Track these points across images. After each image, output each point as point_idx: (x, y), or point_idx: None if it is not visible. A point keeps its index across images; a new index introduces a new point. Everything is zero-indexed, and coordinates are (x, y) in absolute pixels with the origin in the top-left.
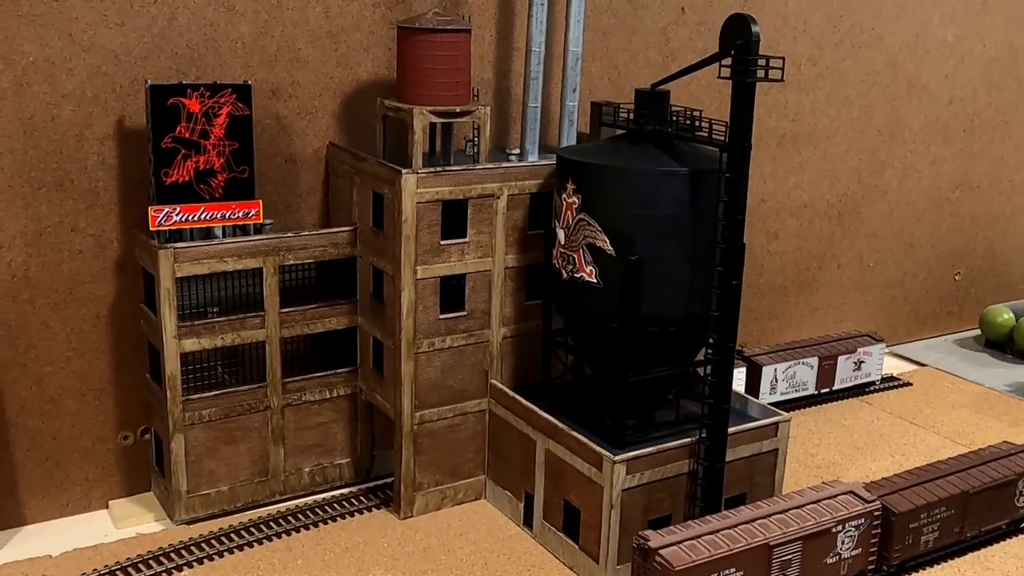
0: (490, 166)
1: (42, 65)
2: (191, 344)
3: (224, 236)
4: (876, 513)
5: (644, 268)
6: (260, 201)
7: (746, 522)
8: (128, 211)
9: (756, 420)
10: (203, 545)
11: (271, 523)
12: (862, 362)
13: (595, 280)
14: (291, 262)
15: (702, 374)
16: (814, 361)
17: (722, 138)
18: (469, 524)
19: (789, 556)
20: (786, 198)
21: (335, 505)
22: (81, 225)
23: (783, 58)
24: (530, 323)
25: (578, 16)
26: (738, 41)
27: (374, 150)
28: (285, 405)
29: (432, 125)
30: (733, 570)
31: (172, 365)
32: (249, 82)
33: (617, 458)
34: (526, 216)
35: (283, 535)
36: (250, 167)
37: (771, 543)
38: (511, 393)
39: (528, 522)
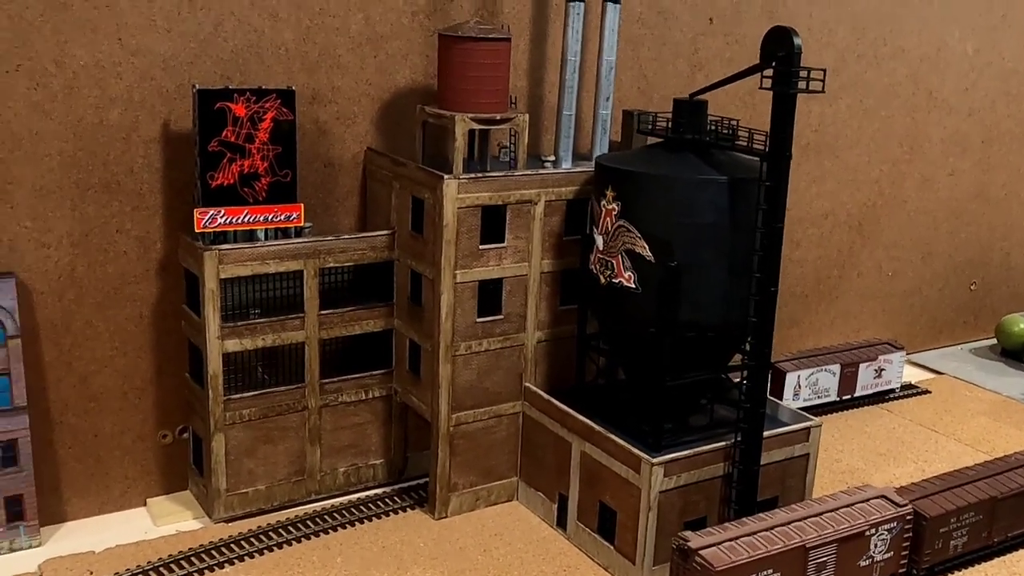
0: (529, 172)
1: (92, 69)
2: (233, 344)
3: (266, 239)
4: (908, 517)
5: (683, 274)
6: (302, 204)
7: (782, 524)
8: (171, 213)
9: (787, 424)
10: (243, 543)
11: (308, 522)
12: (882, 370)
13: (634, 285)
14: (331, 265)
15: (734, 380)
16: (836, 368)
17: (761, 147)
18: (503, 525)
19: (824, 558)
20: (808, 207)
21: (370, 505)
22: (126, 226)
23: (824, 70)
24: (563, 327)
25: (612, 26)
26: (780, 53)
27: (412, 155)
28: (322, 406)
29: (471, 132)
30: (771, 571)
31: (215, 365)
32: (293, 88)
33: (655, 460)
34: (562, 222)
35: (321, 533)
36: (293, 171)
37: (807, 545)
38: (546, 396)
39: (562, 523)
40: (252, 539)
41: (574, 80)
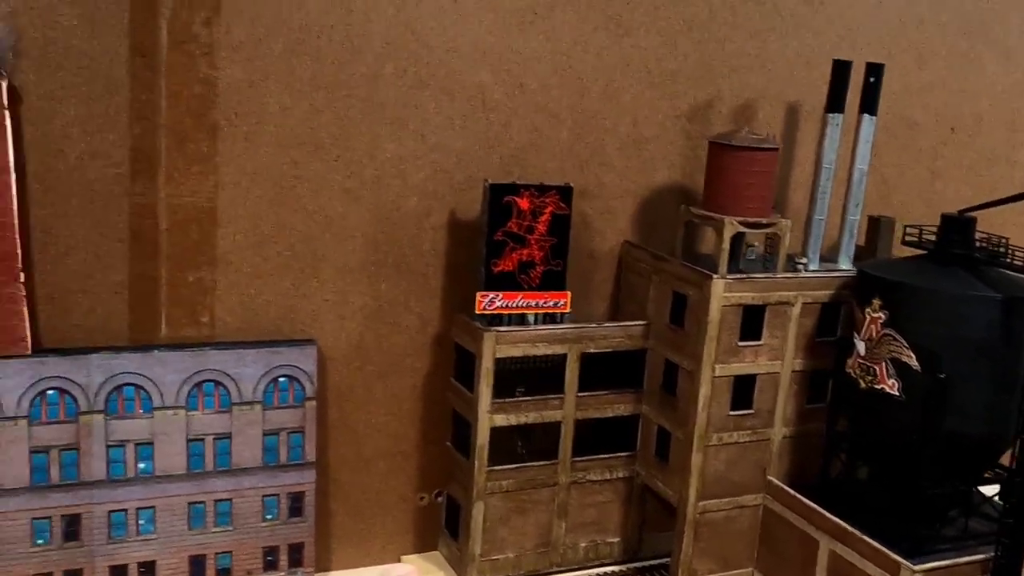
0: (788, 275)
1: (396, 161)
2: (500, 419)
3: (535, 323)
4: None
5: (948, 386)
6: (569, 292)
7: None
8: (448, 294)
9: None
10: None
11: None
12: None
13: (897, 393)
14: (591, 350)
15: (984, 493)
16: None
17: None
18: None
19: None
20: None
21: None
22: (410, 304)
23: None
24: (808, 425)
25: (867, 137)
26: None
27: (667, 250)
28: (571, 482)
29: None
30: None
31: (482, 437)
32: (571, 185)
33: (916, 568)
34: (815, 324)
35: None
36: (564, 261)
37: None
38: (792, 492)
39: None
40: None
41: (828, 187)
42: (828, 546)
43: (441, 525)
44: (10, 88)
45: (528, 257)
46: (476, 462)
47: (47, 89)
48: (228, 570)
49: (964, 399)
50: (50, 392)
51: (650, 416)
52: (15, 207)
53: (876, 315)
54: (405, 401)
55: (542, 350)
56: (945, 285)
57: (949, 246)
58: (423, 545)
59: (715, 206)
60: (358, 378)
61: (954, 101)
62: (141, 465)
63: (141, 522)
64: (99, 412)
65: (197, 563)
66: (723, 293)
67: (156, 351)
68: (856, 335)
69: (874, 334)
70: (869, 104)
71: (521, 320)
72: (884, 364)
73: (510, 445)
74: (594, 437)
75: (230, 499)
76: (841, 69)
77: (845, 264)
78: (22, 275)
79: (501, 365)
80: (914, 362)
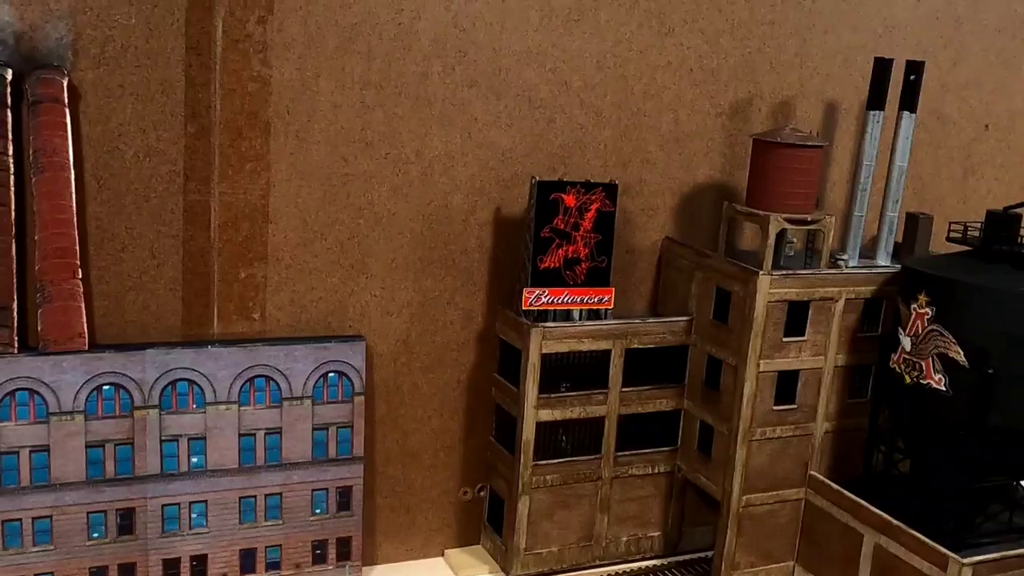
0: (832, 271)
1: (443, 159)
2: (546, 414)
3: (580, 319)
4: None
5: (996, 381)
6: (613, 288)
7: None
8: (492, 289)
9: None
10: None
11: None
12: None
13: (944, 388)
14: (635, 346)
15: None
16: None
17: None
18: None
19: None
20: None
21: (653, 575)
22: (455, 300)
23: None
24: (850, 420)
25: (906, 134)
26: None
27: (707, 246)
28: (614, 477)
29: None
30: None
31: (528, 432)
32: (616, 182)
33: (966, 561)
34: (859, 319)
35: None
36: (608, 257)
37: None
38: (835, 486)
39: None
40: None
41: (868, 184)
42: (873, 539)
43: (483, 519)
44: (70, 86)
45: (574, 254)
46: (522, 457)
47: (105, 87)
48: (278, 563)
49: (1009, 395)
50: (106, 387)
51: (692, 411)
52: (74, 204)
53: (923, 311)
54: (449, 396)
55: (587, 346)
56: (992, 281)
57: (994, 242)
58: (465, 539)
59: (760, 203)
60: (405, 374)
61: (989, 99)
62: (194, 460)
63: (194, 516)
64: (153, 407)
65: (248, 556)
66: (769, 289)
67: (209, 347)
68: (901, 331)
69: (920, 330)
70: (909, 101)
71: (566, 316)
72: (931, 360)
73: (554, 440)
74: (636, 432)
75: (280, 493)
76: (882, 66)
77: (883, 260)
78: (79, 271)
79: (546, 360)
80: (962, 358)
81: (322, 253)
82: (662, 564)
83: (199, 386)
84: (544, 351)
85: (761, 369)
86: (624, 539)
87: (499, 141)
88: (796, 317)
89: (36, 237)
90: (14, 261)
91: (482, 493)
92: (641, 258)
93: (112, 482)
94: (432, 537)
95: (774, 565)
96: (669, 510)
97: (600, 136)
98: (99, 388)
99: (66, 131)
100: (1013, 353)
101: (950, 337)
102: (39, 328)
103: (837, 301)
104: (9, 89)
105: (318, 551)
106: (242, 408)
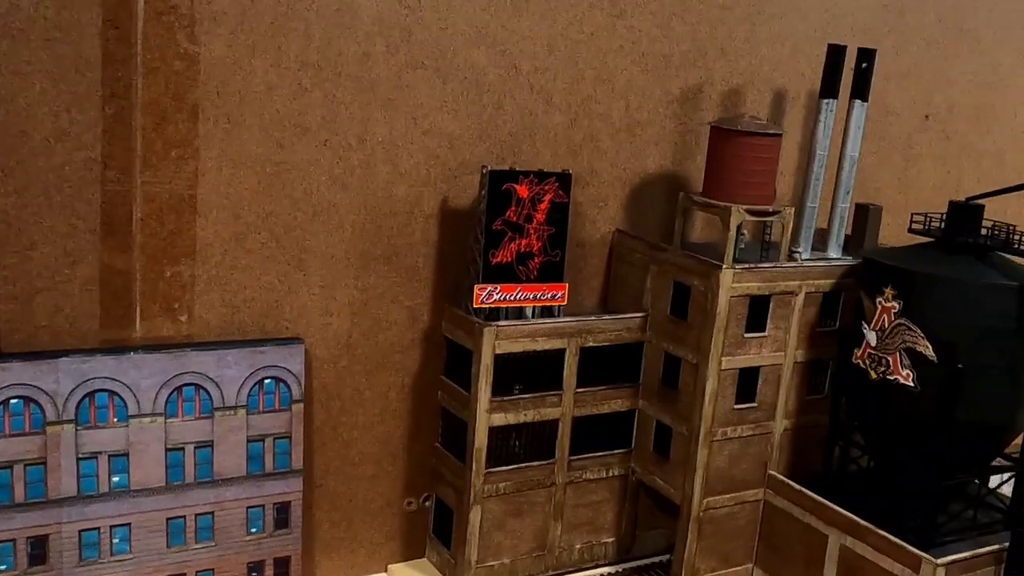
0: (793, 265)
1: (387, 146)
2: (499, 419)
3: (532, 316)
4: None
5: (964, 376)
6: (567, 284)
7: None
8: (439, 286)
9: None
10: None
11: None
12: None
13: (912, 384)
14: (590, 344)
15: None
16: None
17: None
18: None
19: None
20: None
21: None
22: (399, 297)
23: None
24: (808, 417)
25: (858, 123)
26: None
27: (660, 239)
28: (568, 482)
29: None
30: None
31: (481, 438)
32: (571, 172)
33: (939, 561)
34: (817, 313)
35: None
36: (562, 251)
37: None
38: (796, 486)
39: None
40: None
41: (820, 174)
42: (839, 540)
43: (429, 531)
44: None
45: (527, 247)
46: (474, 464)
47: (11, 64)
48: None
49: (977, 389)
50: (14, 401)
51: (648, 411)
52: None
53: (889, 304)
54: (393, 401)
55: (542, 345)
56: (960, 273)
57: (957, 234)
58: (410, 553)
59: (718, 193)
60: (346, 378)
61: (928, 89)
62: (115, 479)
63: (115, 541)
64: (69, 422)
65: None
66: (731, 283)
67: (131, 353)
68: (865, 325)
69: (887, 324)
70: (860, 90)
71: (518, 314)
72: (898, 355)
73: (507, 445)
74: (590, 434)
75: (212, 512)
76: (836, 54)
77: (835, 252)
78: None
79: (499, 361)
80: (930, 352)
81: (256, 248)
82: (617, 571)
83: (120, 397)
84: (498, 351)
85: (723, 367)
86: (578, 546)
87: (446, 127)
88: (757, 312)
89: None
90: None
91: (427, 503)
92: (592, 252)
93: (22, 507)
94: (375, 552)
95: (732, 569)
96: (623, 515)
97: (550, 123)
98: (6, 402)
99: None
100: (979, 346)
101: (919, 331)
102: None
103: (797, 295)
104: None
105: (254, 573)
106: (169, 420)
